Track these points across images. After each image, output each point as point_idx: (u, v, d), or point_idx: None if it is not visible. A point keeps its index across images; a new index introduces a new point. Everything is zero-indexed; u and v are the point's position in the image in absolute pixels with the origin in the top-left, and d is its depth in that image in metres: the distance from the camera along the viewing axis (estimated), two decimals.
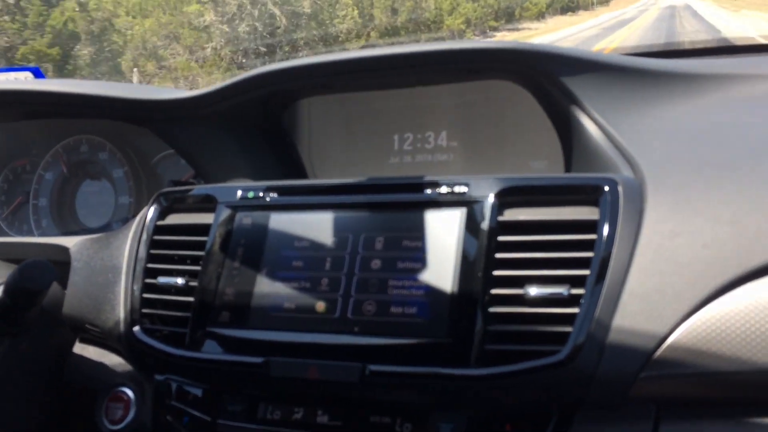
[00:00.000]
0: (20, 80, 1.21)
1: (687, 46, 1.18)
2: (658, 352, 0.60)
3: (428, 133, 1.06)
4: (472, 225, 0.70)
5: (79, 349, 0.96)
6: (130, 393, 0.84)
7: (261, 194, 0.81)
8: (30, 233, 1.27)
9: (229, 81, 0.97)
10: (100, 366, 0.92)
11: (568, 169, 0.92)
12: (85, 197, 1.26)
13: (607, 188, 0.67)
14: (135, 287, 0.83)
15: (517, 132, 0.99)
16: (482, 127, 1.02)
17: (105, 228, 1.23)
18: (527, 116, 0.97)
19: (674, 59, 0.90)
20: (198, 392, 0.79)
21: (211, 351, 0.75)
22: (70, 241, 0.99)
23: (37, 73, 1.29)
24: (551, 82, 0.84)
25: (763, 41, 1.17)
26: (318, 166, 1.11)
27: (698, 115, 0.81)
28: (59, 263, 0.95)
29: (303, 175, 1.10)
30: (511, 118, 0.99)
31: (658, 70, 0.85)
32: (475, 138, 1.03)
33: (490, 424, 0.67)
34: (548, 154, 0.97)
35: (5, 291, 0.80)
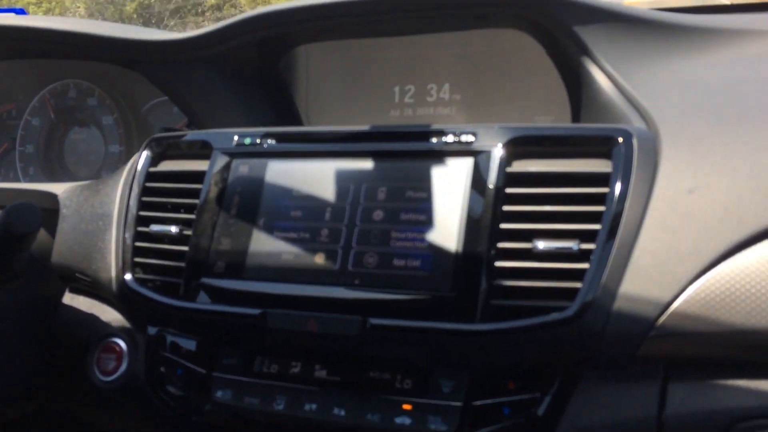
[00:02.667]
0: (3, 17, 1.15)
1: (706, 2, 1.14)
2: (669, 311, 0.59)
3: (430, 85, 1.03)
4: (479, 176, 0.67)
5: (69, 299, 0.94)
6: (122, 344, 0.82)
7: (258, 141, 0.78)
8: (16, 181, 1.23)
9: (224, 23, 0.93)
10: (90, 317, 0.90)
11: (576, 123, 0.90)
12: (74, 145, 1.23)
13: (621, 139, 0.65)
14: (126, 235, 0.80)
15: (522, 85, 0.96)
16: (486, 80, 0.98)
17: (94, 177, 1.19)
18: (534, 69, 0.94)
19: (691, 14, 0.87)
20: (192, 344, 0.77)
21: (206, 302, 0.73)
22: (58, 188, 0.95)
23: (21, 14, 1.23)
24: (563, 31, 0.81)
25: None
26: (315, 116, 1.07)
27: (715, 69, 0.78)
28: (48, 210, 0.92)
29: (299, 125, 1.07)
30: (517, 71, 0.96)
31: (674, 23, 0.82)
32: (478, 91, 1.00)
33: (492, 382, 0.65)
34: (554, 110, 0.94)
35: None
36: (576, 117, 0.88)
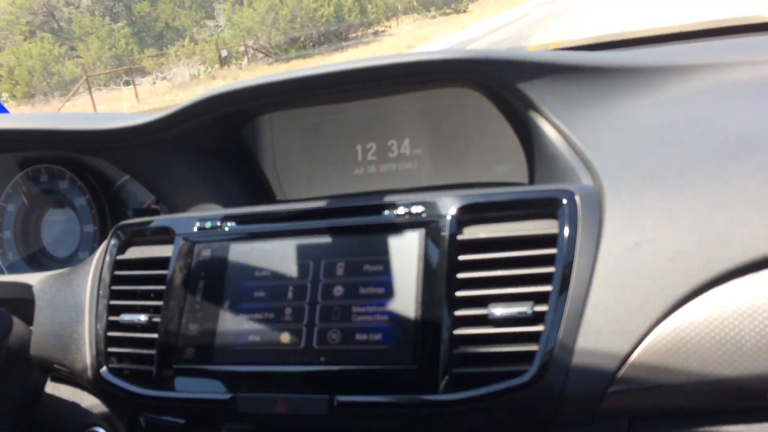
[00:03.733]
0: None
1: (638, 35, 1.16)
2: (625, 367, 0.60)
3: (391, 142, 1.05)
4: (431, 245, 0.69)
5: (51, 388, 0.95)
6: None
7: (219, 224, 0.80)
8: None
9: (179, 106, 0.95)
10: (72, 406, 0.90)
11: (531, 171, 0.91)
12: (50, 226, 1.24)
13: (564, 201, 0.67)
14: (98, 326, 0.82)
15: (479, 137, 0.98)
16: (444, 134, 1.00)
17: (72, 257, 1.20)
18: (488, 121, 0.96)
19: (627, 49, 0.89)
20: (172, 429, 0.78)
21: (178, 389, 0.74)
22: (33, 278, 0.97)
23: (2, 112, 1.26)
24: (507, 88, 0.83)
25: (715, 26, 1.16)
26: (284, 181, 1.09)
27: (656, 110, 0.80)
28: (25, 301, 0.94)
29: (269, 192, 1.09)
30: (473, 124, 0.98)
31: (616, 66, 0.84)
32: (438, 145, 1.02)
33: None
34: (511, 158, 0.96)
35: None
36: (531, 165, 0.90)
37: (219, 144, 1.02)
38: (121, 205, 1.19)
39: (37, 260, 1.23)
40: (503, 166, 0.98)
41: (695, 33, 1.13)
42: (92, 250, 1.16)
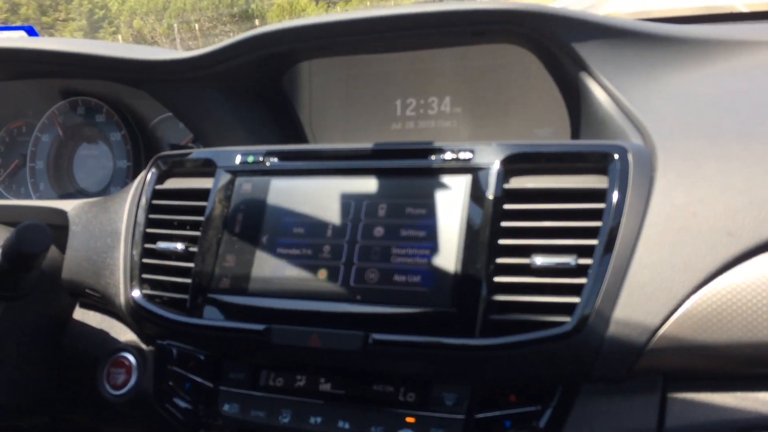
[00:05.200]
0: (13, 39, 1.18)
1: (699, 12, 1.14)
2: (667, 325, 0.60)
3: (432, 99, 1.04)
4: (477, 193, 0.69)
5: (80, 314, 0.96)
6: (131, 358, 0.84)
7: (261, 159, 0.80)
8: (27, 196, 1.25)
9: (226, 42, 0.94)
10: (100, 332, 0.91)
11: (574, 137, 0.91)
12: (83, 160, 1.25)
13: (616, 156, 0.66)
14: (134, 252, 0.82)
15: (522, 98, 0.97)
16: (487, 93, 1.00)
17: (103, 192, 1.21)
18: (533, 82, 0.95)
19: (686, 25, 0.87)
20: (200, 358, 0.79)
21: (211, 317, 0.75)
22: (68, 205, 0.97)
23: (31, 32, 1.26)
24: (561, 47, 0.82)
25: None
26: (318, 131, 1.09)
27: (711, 82, 0.79)
28: (58, 227, 0.94)
29: (303, 140, 1.08)
30: (517, 84, 0.97)
31: (671, 36, 0.83)
32: (479, 104, 1.01)
33: (494, 395, 0.66)
34: (554, 122, 0.95)
35: (2, 254, 0.79)
36: (575, 130, 0.89)
37: (259, 87, 1.02)
38: (155, 143, 1.19)
39: (68, 193, 1.24)
40: (544, 130, 0.97)
41: (752, 14, 1.11)
42: (124, 186, 1.17)
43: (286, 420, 0.72)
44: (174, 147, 0.94)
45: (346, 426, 0.70)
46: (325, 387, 0.73)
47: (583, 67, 0.81)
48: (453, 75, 1.01)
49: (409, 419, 0.68)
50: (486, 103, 1.00)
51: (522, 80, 0.96)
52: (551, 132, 0.96)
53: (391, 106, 1.05)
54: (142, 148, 1.18)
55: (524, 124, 0.97)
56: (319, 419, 0.72)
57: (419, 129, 1.04)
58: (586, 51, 0.80)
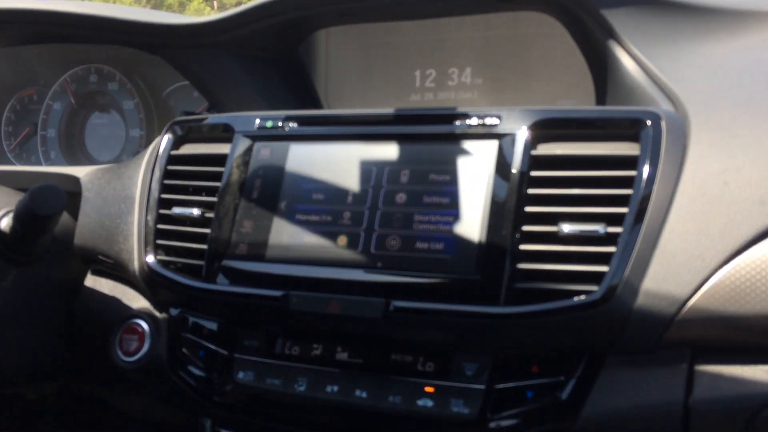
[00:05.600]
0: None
1: None
2: (698, 295, 0.58)
3: (452, 69, 1.02)
4: (503, 159, 0.67)
5: (91, 281, 0.95)
6: (144, 325, 0.83)
7: (280, 124, 0.78)
8: (38, 165, 1.24)
9: (244, 7, 0.92)
10: (112, 299, 0.90)
11: (600, 105, 0.89)
12: (95, 129, 1.23)
13: (649, 122, 0.64)
14: (149, 218, 0.81)
15: (545, 69, 0.95)
16: (508, 64, 0.97)
17: (115, 161, 1.19)
18: (558, 52, 0.92)
19: None
20: (214, 326, 0.77)
21: (228, 283, 0.73)
22: (80, 171, 0.96)
23: None
24: (589, 13, 0.79)
25: None
26: (334, 101, 1.07)
27: (743, 53, 0.77)
28: (70, 193, 0.93)
29: (319, 109, 1.07)
30: (540, 55, 0.95)
31: (701, 6, 0.80)
32: (500, 75, 0.99)
33: (516, 366, 0.65)
34: (577, 94, 0.93)
35: (16, 216, 0.78)
36: (600, 101, 0.87)
37: (276, 55, 1.00)
38: (168, 112, 1.17)
39: (79, 161, 1.23)
40: (568, 102, 0.95)
41: None
42: (137, 154, 1.15)
43: (302, 388, 0.71)
44: (188, 114, 0.92)
45: (364, 395, 0.69)
46: (342, 356, 0.71)
47: (612, 35, 0.78)
48: (474, 45, 0.99)
49: (428, 389, 0.67)
50: (508, 74, 0.98)
51: (546, 50, 0.93)
52: (574, 104, 0.94)
53: (410, 76, 1.03)
54: (155, 117, 1.16)
55: (547, 95, 0.95)
56: (335, 388, 0.70)
57: (438, 100, 1.02)
58: (615, 18, 0.78)
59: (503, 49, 0.97)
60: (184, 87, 1.16)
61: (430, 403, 0.66)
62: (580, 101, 0.93)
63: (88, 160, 1.23)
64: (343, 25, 1.00)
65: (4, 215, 0.83)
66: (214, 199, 0.77)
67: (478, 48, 0.99)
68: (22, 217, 0.77)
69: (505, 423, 0.64)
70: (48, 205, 0.76)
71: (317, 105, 1.06)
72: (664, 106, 0.70)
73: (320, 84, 1.06)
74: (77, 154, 1.23)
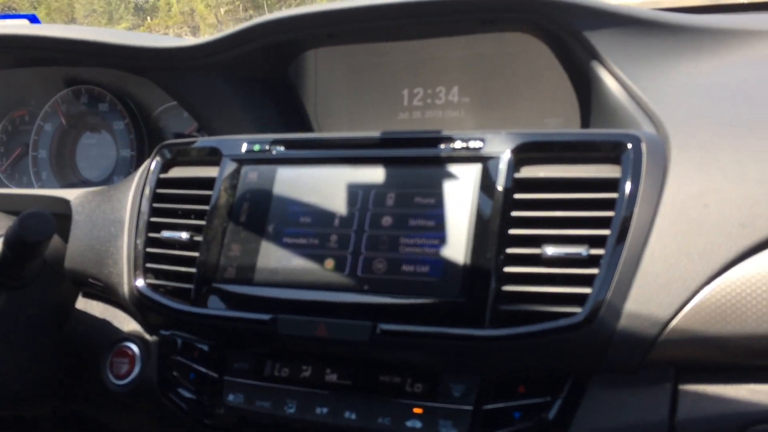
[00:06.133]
0: (16, 26, 1.17)
1: (712, 2, 1.13)
2: (680, 316, 0.59)
3: (439, 88, 1.03)
4: (487, 182, 0.68)
5: (82, 304, 0.95)
6: (134, 348, 0.83)
7: (267, 147, 0.79)
8: (30, 185, 1.24)
9: (231, 30, 0.93)
10: (103, 321, 0.91)
11: (584, 127, 0.90)
12: (86, 149, 1.24)
13: (629, 145, 0.65)
14: (138, 241, 0.81)
15: (531, 88, 0.96)
16: (495, 83, 0.98)
17: (106, 182, 1.20)
18: (543, 71, 0.93)
19: (698, 14, 0.86)
20: (204, 348, 0.78)
21: (216, 307, 0.74)
22: (71, 194, 0.96)
23: (33, 20, 1.25)
24: (572, 35, 0.80)
25: None
26: (324, 121, 1.08)
27: (724, 72, 0.78)
28: (60, 216, 0.93)
29: (308, 130, 1.07)
30: (526, 73, 0.96)
31: (683, 25, 0.82)
32: (487, 94, 1.00)
33: (503, 386, 0.65)
34: (563, 111, 0.94)
35: (5, 243, 0.78)
36: (585, 119, 0.88)
37: (265, 76, 1.01)
38: (159, 132, 1.18)
39: (71, 182, 1.23)
40: (554, 120, 0.96)
41: (765, 4, 1.10)
42: (127, 175, 1.16)
43: (291, 410, 0.72)
44: (178, 136, 0.93)
45: (353, 417, 0.70)
46: (331, 377, 0.72)
47: (595, 55, 0.80)
48: (461, 64, 1.00)
49: (417, 410, 0.68)
50: (494, 92, 0.98)
51: (531, 69, 0.94)
52: (561, 122, 0.95)
53: (398, 95, 1.04)
54: (145, 138, 1.17)
55: (533, 114, 0.96)
56: (325, 410, 0.71)
57: (426, 119, 1.03)
58: (597, 39, 0.79)
59: (490, 68, 0.98)
60: (174, 107, 1.16)
61: (418, 424, 0.67)
62: (567, 119, 0.94)
63: (80, 181, 1.23)
64: (331, 46, 1.00)
65: None
66: (203, 222, 0.78)
67: (464, 67, 1.00)
68: (11, 243, 0.77)
69: None
70: (37, 232, 0.76)
71: (307, 125, 1.07)
72: (645, 127, 0.71)
73: (309, 104, 1.07)
74: (68, 174, 1.24)
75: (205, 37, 0.95)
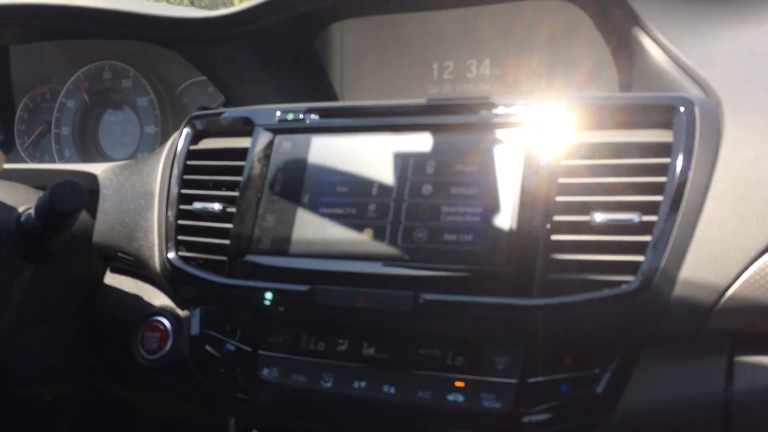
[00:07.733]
0: None
1: None
2: (738, 283, 0.56)
3: (470, 61, 1.00)
4: (532, 148, 0.65)
5: (111, 279, 0.94)
6: (166, 322, 0.82)
7: (301, 116, 0.77)
8: (52, 163, 1.23)
9: (259, 1, 0.91)
10: (132, 296, 0.89)
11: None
12: (109, 126, 1.22)
13: (682, 108, 0.62)
14: (169, 213, 0.80)
15: (566, 59, 0.93)
16: (528, 55, 0.96)
17: (130, 158, 1.19)
18: (580, 41, 0.91)
19: None
20: (238, 322, 0.76)
21: (252, 279, 0.72)
22: (97, 168, 0.95)
23: None
24: (615, 2, 0.78)
25: None
26: (350, 94, 1.06)
27: None
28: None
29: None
30: (560, 44, 0.93)
31: None
32: (519, 66, 0.97)
33: (548, 358, 0.63)
34: (602, 83, 0.91)
35: (36, 214, 0.77)
36: (625, 90, 0.86)
37: (292, 48, 0.99)
38: (183, 108, 1.16)
39: (93, 159, 1.22)
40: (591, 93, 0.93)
41: None
42: (152, 151, 1.14)
43: (328, 384, 0.70)
44: (204, 110, 0.91)
45: (392, 391, 0.68)
46: (369, 351, 0.70)
47: (638, 22, 0.77)
48: (493, 36, 0.97)
49: (458, 383, 0.66)
50: (528, 64, 0.96)
51: (566, 40, 0.92)
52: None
53: (428, 69, 1.02)
54: (170, 114, 1.15)
55: (568, 86, 0.93)
56: (363, 383, 0.69)
57: (457, 93, 1.01)
58: (639, 5, 0.77)
59: (522, 40, 0.95)
60: (198, 83, 1.15)
61: (460, 398, 0.65)
62: (603, 91, 0.92)
63: (103, 158, 1.22)
64: (359, 17, 0.98)
65: (22, 212, 0.82)
66: (236, 193, 0.76)
67: (496, 39, 0.97)
68: (42, 214, 0.76)
69: (538, 417, 0.63)
70: (68, 202, 0.75)
71: (333, 99, 1.05)
72: (693, 92, 0.68)
73: (336, 79, 1.05)
74: (91, 151, 1.22)
75: (233, 8, 0.93)
